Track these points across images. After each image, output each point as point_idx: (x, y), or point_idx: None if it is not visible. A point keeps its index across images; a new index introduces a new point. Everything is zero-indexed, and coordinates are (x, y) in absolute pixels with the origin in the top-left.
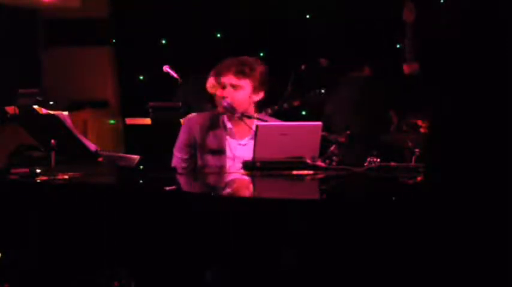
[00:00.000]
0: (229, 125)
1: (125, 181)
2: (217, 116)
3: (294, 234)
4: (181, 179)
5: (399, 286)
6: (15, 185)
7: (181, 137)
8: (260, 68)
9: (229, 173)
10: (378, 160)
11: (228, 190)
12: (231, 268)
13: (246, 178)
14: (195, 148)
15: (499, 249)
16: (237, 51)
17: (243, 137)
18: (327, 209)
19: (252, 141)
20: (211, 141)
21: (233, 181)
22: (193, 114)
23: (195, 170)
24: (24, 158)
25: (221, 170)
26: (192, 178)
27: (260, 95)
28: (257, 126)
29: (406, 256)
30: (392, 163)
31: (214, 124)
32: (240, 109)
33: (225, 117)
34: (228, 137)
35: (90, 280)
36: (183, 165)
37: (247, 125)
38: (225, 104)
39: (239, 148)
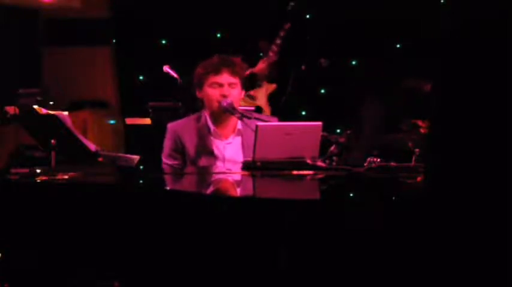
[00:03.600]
0: (212, 127)
1: (125, 181)
2: (201, 119)
3: (292, 234)
4: (176, 180)
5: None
6: (15, 185)
7: (168, 144)
8: (245, 67)
9: (222, 173)
10: (378, 159)
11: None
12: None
13: (237, 177)
14: (182, 153)
15: (499, 249)
16: (237, 51)
17: (228, 136)
18: (326, 209)
19: (237, 138)
20: (199, 145)
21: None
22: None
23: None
24: (24, 158)
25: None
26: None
27: (242, 93)
28: (257, 126)
29: (406, 256)
30: (392, 163)
31: (199, 127)
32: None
33: (208, 120)
34: (212, 138)
35: (90, 280)
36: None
37: (232, 123)
38: (225, 104)
39: (226, 147)
